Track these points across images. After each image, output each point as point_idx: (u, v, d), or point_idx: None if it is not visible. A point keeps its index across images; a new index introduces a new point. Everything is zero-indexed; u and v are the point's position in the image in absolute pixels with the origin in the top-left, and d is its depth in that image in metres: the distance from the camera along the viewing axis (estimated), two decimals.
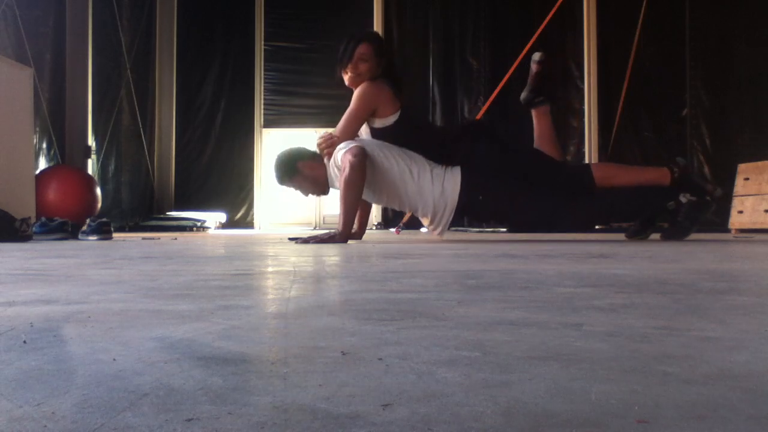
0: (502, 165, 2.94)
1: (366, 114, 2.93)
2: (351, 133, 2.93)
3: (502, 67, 6.58)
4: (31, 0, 5.22)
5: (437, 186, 2.89)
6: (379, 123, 2.96)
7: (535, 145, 3.14)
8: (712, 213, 2.98)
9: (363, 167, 2.76)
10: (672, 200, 2.84)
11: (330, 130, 3.07)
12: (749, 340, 0.54)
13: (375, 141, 2.95)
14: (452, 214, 2.94)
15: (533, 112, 3.19)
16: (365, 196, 2.96)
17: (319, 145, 2.94)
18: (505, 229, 5.26)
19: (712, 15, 6.89)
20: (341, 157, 2.79)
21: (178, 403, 0.36)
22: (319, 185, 3.04)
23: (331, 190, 3.09)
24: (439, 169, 2.92)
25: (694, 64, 6.99)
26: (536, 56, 3.20)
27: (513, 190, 2.92)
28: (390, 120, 2.94)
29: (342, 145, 2.85)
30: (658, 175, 2.88)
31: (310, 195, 3.14)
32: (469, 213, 3.09)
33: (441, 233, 3.03)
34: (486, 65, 7.32)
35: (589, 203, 2.91)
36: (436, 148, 2.97)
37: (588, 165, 3.30)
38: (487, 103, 6.25)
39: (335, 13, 7.54)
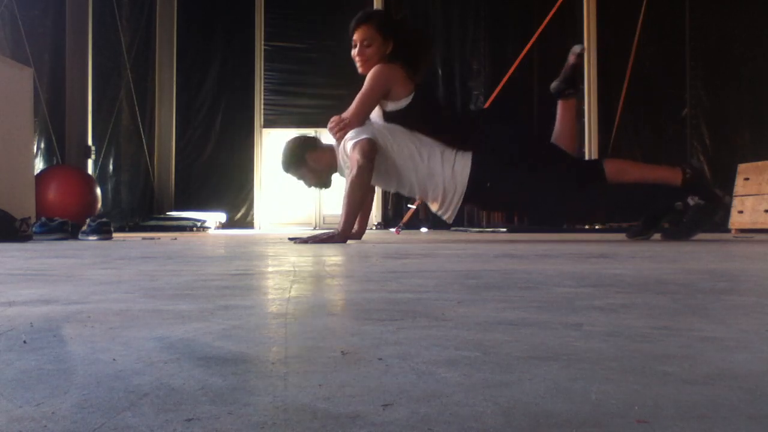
0: (513, 153, 2.93)
1: (378, 96, 2.90)
2: (362, 116, 2.89)
3: (502, 67, 6.58)
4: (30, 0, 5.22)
5: (447, 168, 2.87)
6: (391, 106, 2.93)
7: (554, 136, 3.11)
8: (718, 218, 2.98)
9: (370, 169, 2.75)
10: (680, 201, 2.83)
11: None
12: (749, 340, 0.54)
13: (385, 125, 2.93)
14: (462, 199, 2.92)
15: (559, 104, 3.17)
16: (376, 182, 2.94)
17: (330, 129, 2.92)
18: (505, 229, 5.26)
19: (712, 15, 6.89)
20: (350, 150, 2.78)
21: (178, 403, 0.36)
22: (322, 178, 3.03)
23: (330, 186, 3.10)
24: (449, 152, 2.90)
25: (694, 64, 6.99)
26: (577, 48, 3.19)
27: (521, 180, 2.90)
28: (402, 103, 2.91)
29: (351, 134, 2.81)
30: (669, 174, 2.87)
31: (312, 187, 3.13)
32: (476, 200, 3.08)
33: (450, 218, 3.01)
34: (486, 65, 7.32)
35: (594, 200, 2.91)
36: (448, 133, 2.96)
37: (599, 160, 3.29)
38: (497, 89, 6.17)
39: (335, 13, 7.54)
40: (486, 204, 3.25)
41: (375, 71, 2.87)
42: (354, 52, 2.96)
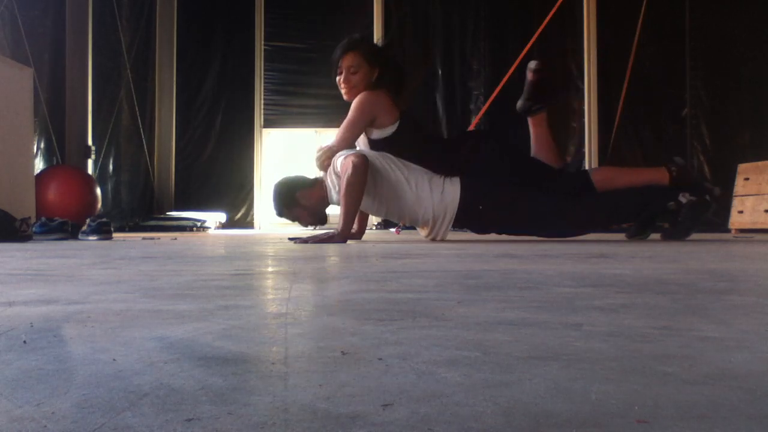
0: (501, 174, 2.92)
1: (364, 124, 2.90)
2: (348, 144, 2.92)
3: (502, 67, 6.58)
4: (30, 0, 5.22)
5: (436, 194, 2.87)
6: (377, 134, 2.93)
7: (533, 152, 3.10)
8: (712, 213, 2.96)
9: (365, 169, 2.75)
10: (672, 200, 2.83)
11: (330, 130, 3.06)
12: (749, 340, 0.54)
13: (371, 152, 2.93)
14: (451, 223, 2.92)
15: (530, 120, 3.13)
16: (364, 207, 2.94)
17: (318, 158, 2.93)
18: None
19: (712, 15, 6.89)
20: (341, 161, 2.78)
21: (178, 403, 0.36)
22: (317, 215, 3.04)
23: (327, 221, 3.13)
24: (437, 179, 2.89)
25: (694, 64, 6.99)
26: (532, 65, 3.13)
27: (512, 199, 2.90)
28: (388, 131, 2.91)
29: (342, 152, 2.84)
30: (656, 176, 2.87)
31: (308, 227, 3.13)
32: (468, 223, 3.07)
33: (440, 241, 3.01)
34: (486, 65, 7.32)
35: (589, 208, 2.90)
36: (435, 159, 2.96)
37: (586, 171, 3.27)
38: (483, 109, 6.25)
39: (335, 12, 7.55)
40: (481, 227, 3.22)
41: (360, 99, 2.87)
42: (340, 78, 2.96)
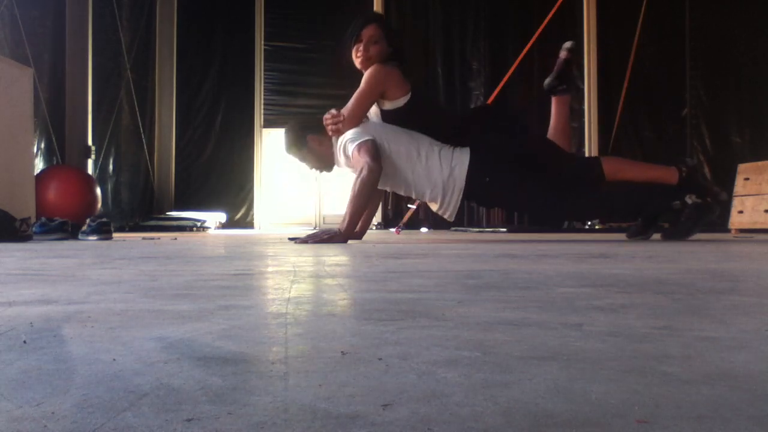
0: (511, 150, 2.95)
1: (375, 96, 2.94)
2: (359, 115, 2.93)
3: (502, 67, 6.58)
4: (30, 0, 5.22)
5: (445, 167, 2.89)
6: (389, 105, 2.96)
7: (549, 134, 3.15)
8: (716, 217, 2.97)
9: (379, 170, 2.77)
10: (678, 200, 2.83)
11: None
12: (749, 340, 0.54)
13: (382, 124, 2.96)
14: (461, 196, 2.93)
15: (553, 100, 3.21)
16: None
17: (325, 119, 2.94)
18: (505, 229, 5.26)
19: (712, 15, 6.89)
20: (353, 151, 2.79)
21: (178, 403, 0.36)
22: (323, 162, 3.04)
23: (332, 171, 3.13)
24: (446, 150, 2.92)
25: (694, 64, 7.00)
26: (567, 44, 3.26)
27: (520, 175, 2.92)
28: (400, 102, 2.94)
29: (351, 134, 2.84)
30: (666, 174, 2.88)
31: (313, 169, 3.14)
32: (474, 197, 3.09)
33: (451, 216, 3.02)
34: (486, 66, 7.32)
35: (596, 196, 2.92)
36: (446, 131, 2.98)
37: (598, 158, 3.30)
38: (497, 89, 6.22)
39: (335, 12, 7.55)
40: (486, 200, 3.26)
41: (372, 71, 2.90)
42: (358, 46, 2.97)
